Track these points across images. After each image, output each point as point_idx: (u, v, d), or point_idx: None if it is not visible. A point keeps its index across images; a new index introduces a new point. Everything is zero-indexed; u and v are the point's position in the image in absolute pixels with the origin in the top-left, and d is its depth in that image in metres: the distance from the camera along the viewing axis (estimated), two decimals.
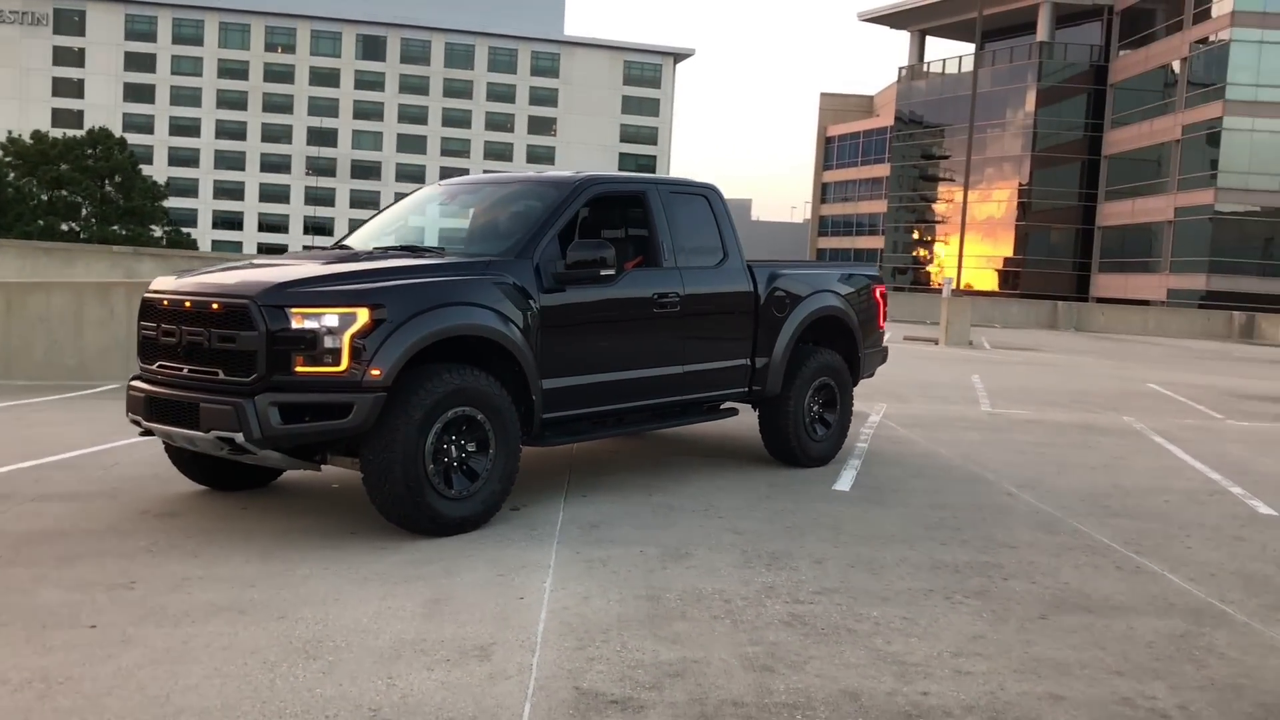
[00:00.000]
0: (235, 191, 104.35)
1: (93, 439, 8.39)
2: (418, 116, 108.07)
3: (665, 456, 8.38)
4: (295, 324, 5.40)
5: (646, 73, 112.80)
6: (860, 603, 4.92)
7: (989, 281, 70.24)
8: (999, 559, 5.80)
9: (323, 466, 5.94)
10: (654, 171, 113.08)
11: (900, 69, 79.25)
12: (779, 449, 8.02)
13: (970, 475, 8.21)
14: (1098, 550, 6.08)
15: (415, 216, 7.60)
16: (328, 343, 5.40)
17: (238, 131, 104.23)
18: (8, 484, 6.81)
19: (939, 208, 77.17)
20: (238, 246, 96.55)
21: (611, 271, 6.44)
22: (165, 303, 5.87)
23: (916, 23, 76.86)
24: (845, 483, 7.66)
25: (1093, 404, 13.81)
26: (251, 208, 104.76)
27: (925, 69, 76.97)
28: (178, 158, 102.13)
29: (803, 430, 7.98)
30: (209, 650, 4.08)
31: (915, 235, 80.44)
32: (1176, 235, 58.03)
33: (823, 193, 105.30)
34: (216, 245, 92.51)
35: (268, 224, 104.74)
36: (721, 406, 7.79)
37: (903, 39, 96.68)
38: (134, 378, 6.14)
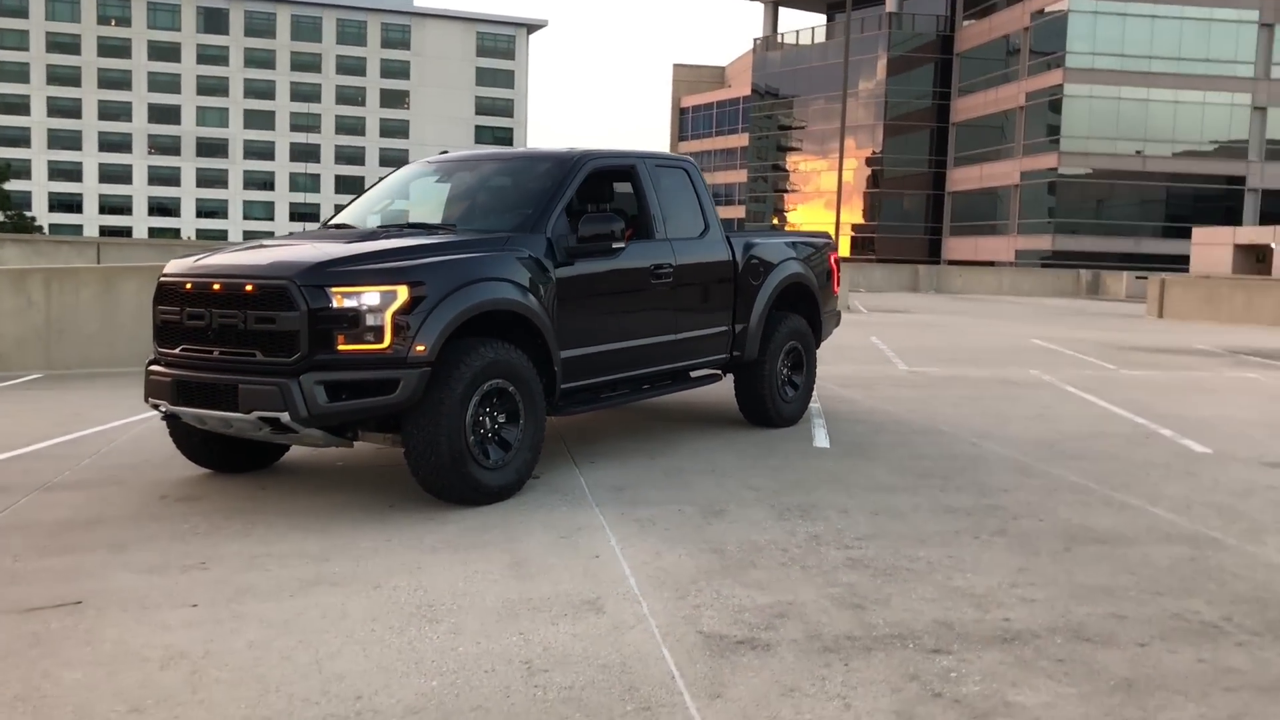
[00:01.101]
0: (72, 173, 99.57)
1: (53, 429, 8.22)
2: (264, 91, 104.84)
3: (641, 423, 8.66)
4: (336, 303, 5.48)
5: (500, 44, 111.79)
6: (903, 546, 5.30)
7: (844, 248, 72.31)
8: (998, 501, 6.27)
9: (354, 443, 6.02)
10: (510, 144, 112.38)
11: (755, 40, 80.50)
12: (754, 412, 8.38)
13: (928, 429, 8.73)
14: (1079, 490, 6.62)
15: (409, 194, 7.65)
16: (370, 320, 5.50)
17: (72, 109, 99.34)
18: None
19: (795, 177, 78.88)
20: (78, 230, 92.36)
21: (622, 244, 6.67)
22: (189, 286, 5.85)
23: None
24: (822, 440, 8.07)
25: (994, 360, 14.62)
26: (91, 189, 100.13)
27: (780, 40, 78.36)
28: (6, 137, 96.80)
29: (776, 393, 8.36)
30: (327, 620, 4.20)
31: (773, 204, 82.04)
32: (1022, 199, 60.81)
33: None
34: (55, 229, 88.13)
35: (110, 206, 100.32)
36: (703, 373, 8.10)
37: (756, 10, 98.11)
38: (151, 362, 6.10)
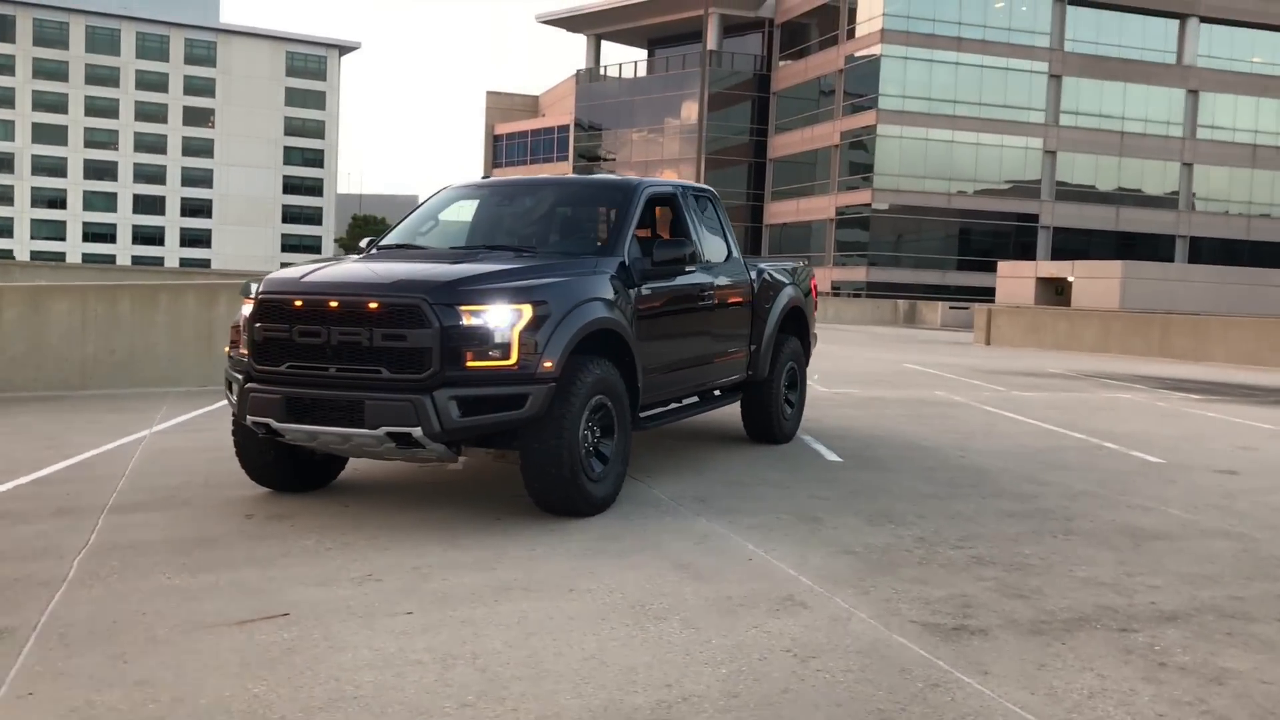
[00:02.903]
0: None
1: (44, 454, 7.93)
2: (56, 104, 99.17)
3: (648, 441, 8.94)
4: (465, 321, 5.60)
5: (311, 64, 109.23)
6: (1004, 545, 5.81)
7: None
8: (1039, 505, 6.88)
9: (459, 458, 6.12)
10: (322, 166, 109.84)
11: (578, 72, 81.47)
12: (761, 429, 8.80)
13: (909, 443, 9.34)
14: (1093, 495, 7.31)
15: (460, 215, 7.72)
16: (498, 338, 5.64)
17: None
18: (40, 500, 6.45)
19: None
20: None
21: (693, 268, 7.00)
22: (298, 304, 5.83)
23: (592, 27, 79.34)
24: (830, 454, 8.55)
25: (892, 383, 15.52)
26: None
27: (603, 73, 79.62)
28: None
29: (780, 410, 8.82)
30: (557, 621, 4.36)
31: None
32: (838, 232, 63.67)
33: None
34: None
35: None
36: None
37: (568, 40, 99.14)
38: (248, 381, 6.02)
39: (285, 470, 6.60)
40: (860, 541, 5.77)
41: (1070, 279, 48.00)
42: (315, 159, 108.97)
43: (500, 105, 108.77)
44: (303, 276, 6.08)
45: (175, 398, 11.29)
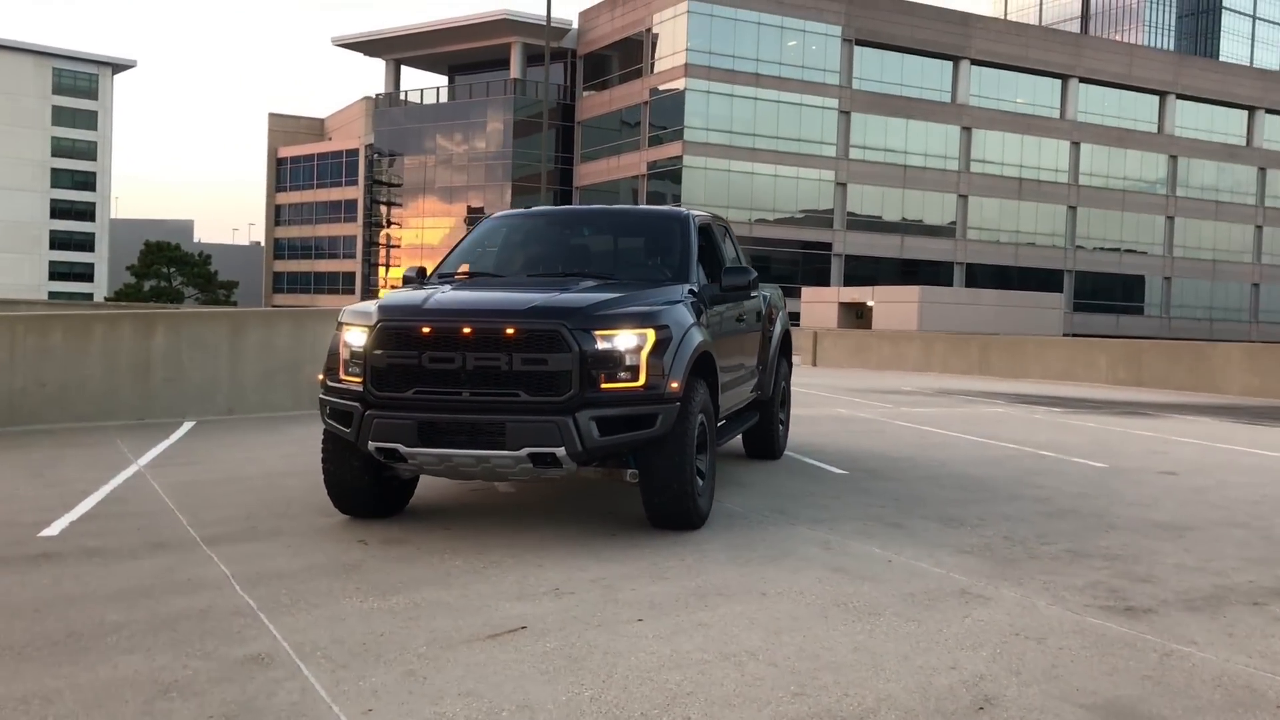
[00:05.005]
0: None
1: (62, 494, 7.62)
2: None
3: None
4: (600, 345, 5.86)
5: (80, 82, 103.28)
6: (1075, 540, 6.47)
7: None
8: (1060, 506, 7.61)
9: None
10: (94, 189, 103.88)
11: (377, 96, 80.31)
12: (762, 446, 9.28)
13: (883, 456, 10.02)
14: (1092, 497, 8.11)
15: (526, 244, 7.85)
16: (629, 360, 5.93)
17: None
18: (113, 536, 6.30)
19: (416, 233, 79.12)
20: None
21: (755, 294, 7.42)
22: (427, 330, 5.93)
23: (391, 51, 78.40)
24: (831, 468, 9.11)
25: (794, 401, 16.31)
26: None
27: (404, 98, 78.74)
28: None
29: (778, 428, 9.33)
30: (784, 621, 4.68)
31: (391, 259, 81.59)
32: None
33: (277, 215, 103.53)
34: None
35: None
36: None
37: (373, 66, 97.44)
38: (369, 408, 6.03)
39: (371, 497, 6.63)
40: (958, 542, 6.32)
41: (870, 303, 50.77)
42: (86, 182, 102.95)
43: (284, 128, 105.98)
44: (423, 303, 6.17)
45: (118, 431, 10.82)
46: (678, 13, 60.89)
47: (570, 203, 71.88)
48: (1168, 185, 73.46)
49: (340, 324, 6.38)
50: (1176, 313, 73.84)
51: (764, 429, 9.23)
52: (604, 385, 5.86)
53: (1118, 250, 72.38)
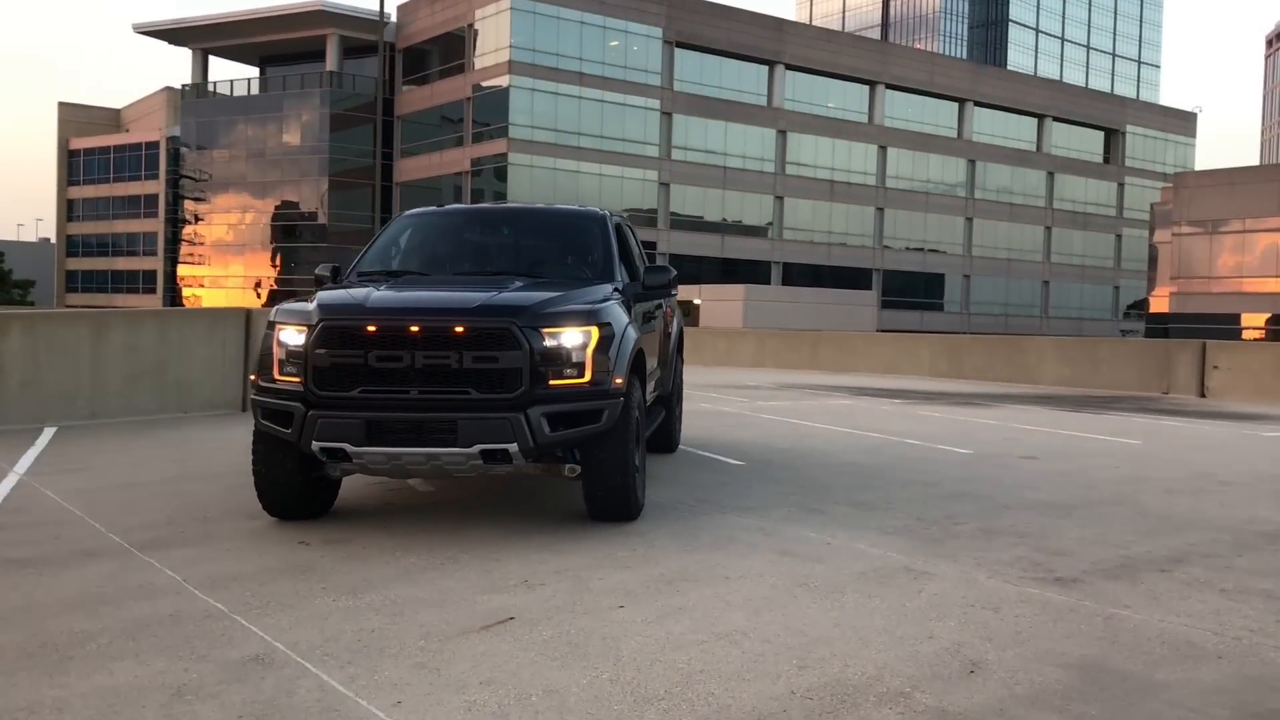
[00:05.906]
0: None
1: None
2: None
3: None
4: (548, 342, 5.99)
5: None
6: (982, 520, 6.95)
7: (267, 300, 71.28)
8: (951, 490, 8.13)
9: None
10: None
11: (183, 87, 76.96)
12: (663, 440, 9.50)
13: (769, 447, 10.41)
14: (973, 480, 8.66)
15: (447, 243, 7.80)
16: (575, 357, 6.07)
17: None
18: (33, 545, 6.05)
19: (222, 228, 76.19)
20: None
21: (675, 292, 7.63)
22: (373, 329, 5.91)
23: (198, 41, 75.24)
24: (728, 459, 9.44)
25: None
26: None
27: (212, 89, 75.65)
28: None
29: (677, 422, 9.59)
30: (757, 602, 4.94)
31: (198, 257, 78.29)
32: None
33: (69, 210, 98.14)
34: None
35: None
36: None
37: (179, 55, 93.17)
38: (312, 408, 5.96)
39: (301, 499, 6.56)
40: (879, 524, 6.71)
41: (697, 301, 51.87)
42: None
43: (76, 118, 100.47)
44: (365, 302, 6.15)
45: None
46: (500, 9, 60.66)
47: (393, 199, 70.64)
48: (967, 188, 77.58)
49: (273, 323, 6.27)
50: (975, 309, 78.04)
51: (665, 423, 9.47)
52: (552, 382, 5.98)
53: (922, 250, 75.99)
